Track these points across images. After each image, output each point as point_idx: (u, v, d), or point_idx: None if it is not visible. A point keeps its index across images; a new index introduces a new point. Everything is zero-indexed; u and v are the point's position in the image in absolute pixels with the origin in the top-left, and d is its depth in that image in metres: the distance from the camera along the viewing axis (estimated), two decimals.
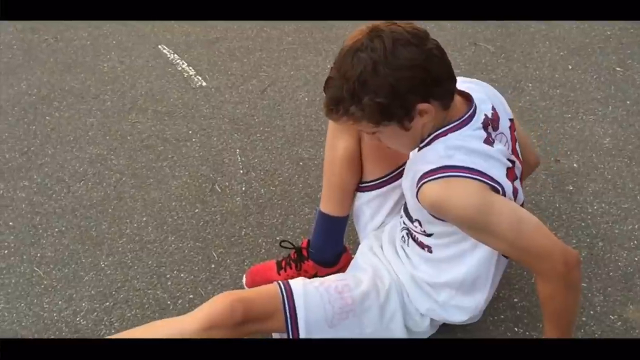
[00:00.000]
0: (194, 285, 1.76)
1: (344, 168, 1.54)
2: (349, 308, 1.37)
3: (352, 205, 1.62)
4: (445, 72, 1.23)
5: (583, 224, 1.86)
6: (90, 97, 2.43)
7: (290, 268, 1.69)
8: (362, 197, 1.58)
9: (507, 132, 1.37)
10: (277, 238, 1.86)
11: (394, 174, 1.53)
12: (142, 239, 1.89)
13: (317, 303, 1.36)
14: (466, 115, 1.27)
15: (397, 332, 1.43)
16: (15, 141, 2.24)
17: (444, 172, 1.21)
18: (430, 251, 1.39)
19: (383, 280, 1.45)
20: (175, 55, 2.64)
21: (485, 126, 1.28)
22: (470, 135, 1.26)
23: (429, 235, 1.37)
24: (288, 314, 1.34)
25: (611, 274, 1.71)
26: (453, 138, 1.26)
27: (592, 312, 1.61)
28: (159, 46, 2.70)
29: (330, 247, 1.66)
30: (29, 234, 1.92)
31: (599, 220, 1.86)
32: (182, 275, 1.79)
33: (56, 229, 1.93)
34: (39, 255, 1.86)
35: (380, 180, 1.54)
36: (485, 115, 1.30)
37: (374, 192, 1.56)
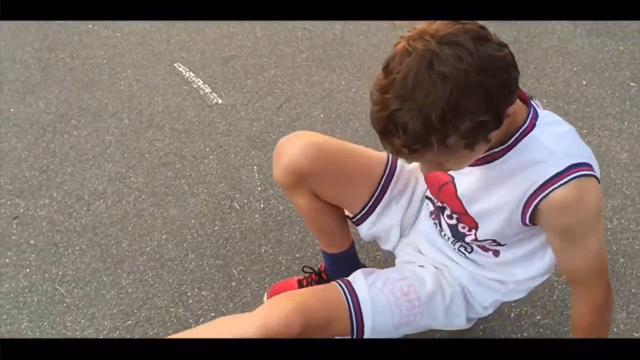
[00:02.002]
0: (216, 303, 1.76)
1: (317, 217, 1.49)
2: (416, 311, 1.31)
3: (349, 234, 1.56)
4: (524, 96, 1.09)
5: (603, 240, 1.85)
6: (107, 115, 2.45)
7: (312, 285, 1.69)
8: (364, 227, 1.49)
9: None
10: (297, 255, 1.87)
11: (378, 190, 1.44)
12: (162, 256, 1.90)
13: (385, 309, 1.29)
14: (529, 101, 1.12)
15: (459, 325, 1.39)
16: (35, 159, 2.26)
17: (573, 173, 1.05)
18: (496, 255, 1.31)
19: (447, 278, 1.37)
20: (191, 73, 2.67)
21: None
22: (554, 122, 1.11)
23: (503, 245, 1.27)
24: (355, 322, 1.27)
25: (633, 290, 1.71)
26: (544, 132, 1.08)
27: (615, 329, 1.61)
28: (175, 64, 2.72)
29: (344, 273, 1.64)
30: (50, 252, 1.93)
31: (620, 237, 1.86)
32: (203, 293, 1.79)
33: (77, 247, 1.94)
34: (60, 273, 1.87)
35: (369, 205, 1.45)
36: None
37: (371, 218, 1.47)
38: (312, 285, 1.69)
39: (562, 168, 1.05)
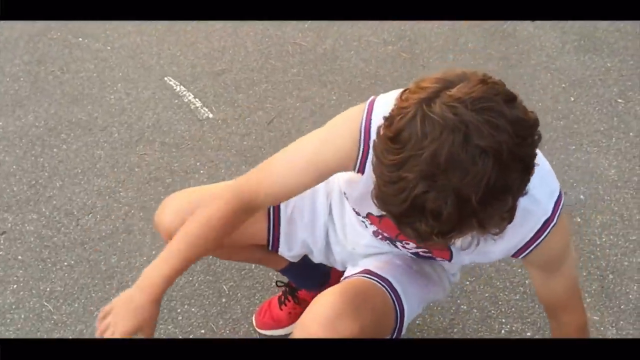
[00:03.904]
0: (205, 319, 1.75)
1: (238, 256, 1.49)
2: (430, 285, 1.35)
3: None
4: None
5: (592, 256, 1.87)
6: (97, 129, 2.44)
7: (289, 301, 1.70)
8: (284, 252, 1.44)
9: None
10: None
11: (271, 214, 1.38)
12: None
13: (414, 292, 1.30)
14: None
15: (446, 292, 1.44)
16: (23, 173, 2.24)
17: (558, 210, 1.05)
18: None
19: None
20: (182, 87, 2.67)
21: None
22: None
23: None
24: (397, 330, 1.27)
25: (622, 306, 1.72)
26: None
27: None
28: (165, 78, 2.72)
29: (308, 282, 1.62)
30: (38, 267, 1.91)
31: (608, 253, 1.87)
32: (192, 309, 1.78)
33: (65, 263, 1.92)
34: (48, 289, 1.85)
35: (271, 232, 1.40)
36: None
37: (282, 242, 1.41)
38: (288, 299, 1.69)
39: (549, 212, 1.04)
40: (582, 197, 2.07)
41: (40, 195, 2.16)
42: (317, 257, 1.47)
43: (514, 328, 1.69)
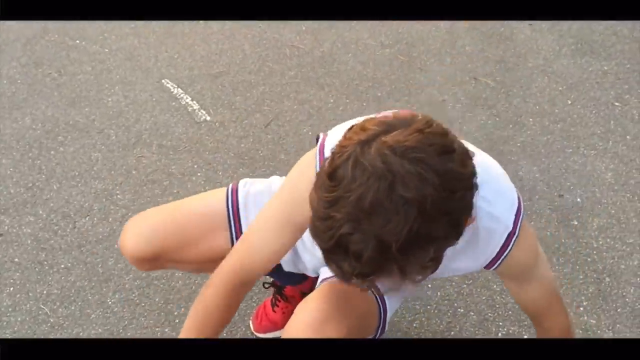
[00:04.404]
0: None
1: (208, 270, 1.46)
2: None
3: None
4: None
5: (589, 259, 1.87)
6: (94, 132, 2.44)
7: (280, 301, 1.70)
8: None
9: None
10: None
11: (232, 228, 1.38)
12: (148, 275, 1.88)
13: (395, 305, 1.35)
14: None
15: None
16: (20, 176, 2.24)
17: (518, 223, 1.07)
18: None
19: None
20: (179, 89, 2.66)
21: None
22: (487, 176, 1.03)
23: None
24: (380, 327, 1.32)
25: (619, 310, 1.73)
26: (485, 196, 1.02)
27: None
28: (163, 80, 2.72)
29: (289, 279, 1.60)
30: (35, 270, 1.91)
31: (605, 256, 1.87)
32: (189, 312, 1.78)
33: (62, 266, 1.92)
34: (45, 292, 1.84)
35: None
36: None
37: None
38: (278, 299, 1.69)
39: (511, 226, 1.06)
40: (579, 200, 2.07)
41: (37, 198, 2.15)
42: (285, 267, 1.46)
43: (510, 331, 1.69)
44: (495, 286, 1.81)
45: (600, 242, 1.92)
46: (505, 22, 3.03)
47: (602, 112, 2.46)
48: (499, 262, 1.11)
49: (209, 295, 1.25)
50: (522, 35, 2.92)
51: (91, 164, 2.29)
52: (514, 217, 1.07)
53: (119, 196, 2.16)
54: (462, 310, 1.76)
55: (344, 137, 0.88)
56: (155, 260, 1.38)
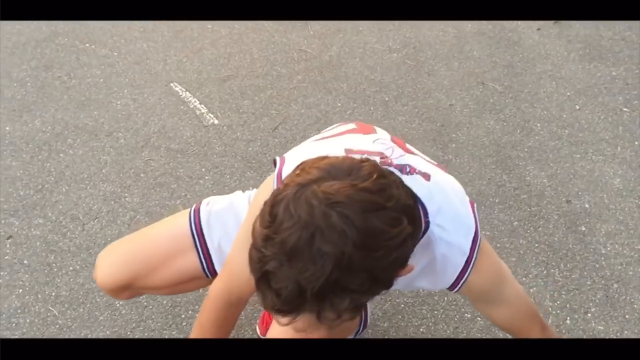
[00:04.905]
0: None
1: (183, 290, 1.52)
2: None
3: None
4: (413, 200, 0.94)
5: (597, 265, 1.87)
6: (103, 135, 2.46)
7: None
8: None
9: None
10: None
11: (198, 248, 1.40)
12: None
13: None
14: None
15: None
16: (30, 178, 2.26)
17: (475, 249, 1.09)
18: None
19: None
20: (187, 93, 2.68)
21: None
22: (440, 202, 1.06)
23: None
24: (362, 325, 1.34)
25: (627, 316, 1.72)
26: (440, 223, 1.05)
27: None
28: (171, 84, 2.73)
29: None
30: (44, 272, 1.92)
31: (613, 262, 1.87)
32: (196, 315, 1.78)
33: (71, 268, 1.93)
34: (53, 294, 1.85)
35: (205, 265, 1.42)
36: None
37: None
38: None
39: (467, 251, 1.08)
40: (587, 205, 2.07)
41: (47, 200, 2.17)
42: None
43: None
44: None
45: (609, 248, 1.91)
46: (513, 27, 3.03)
47: (610, 117, 2.46)
48: (458, 286, 1.13)
49: (204, 318, 1.33)
50: (530, 41, 2.92)
51: (100, 167, 2.31)
52: (470, 243, 1.09)
53: (127, 199, 2.17)
54: (468, 316, 1.76)
55: (290, 175, 0.91)
56: (128, 288, 1.41)
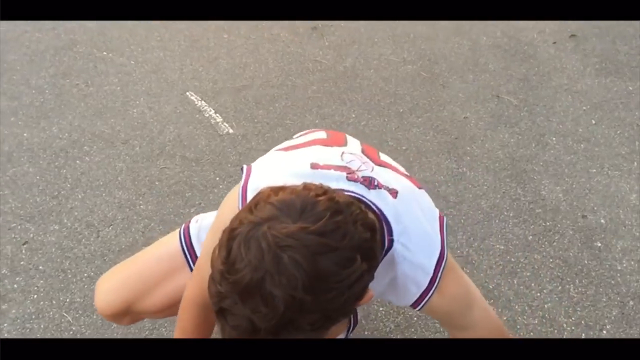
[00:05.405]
0: None
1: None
2: None
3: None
4: (372, 232, 0.92)
5: (613, 282, 1.85)
6: (119, 142, 2.48)
7: None
8: None
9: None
10: None
11: (191, 265, 1.41)
12: None
13: None
14: (380, 216, 1.03)
15: None
16: (46, 185, 2.28)
17: (439, 271, 1.08)
18: None
19: None
20: (203, 102, 2.70)
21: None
22: (407, 223, 1.05)
23: None
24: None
25: None
26: (404, 242, 1.05)
27: None
28: (187, 93, 2.75)
29: None
30: (59, 278, 1.93)
31: (629, 279, 1.85)
32: None
33: (85, 274, 1.94)
34: (68, 300, 1.86)
35: None
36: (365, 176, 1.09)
37: None
38: None
39: (431, 272, 1.07)
40: (602, 221, 2.05)
41: (62, 207, 2.19)
42: None
43: None
44: (516, 307, 1.79)
45: (625, 265, 1.90)
46: (529, 40, 3.03)
47: (626, 132, 2.44)
48: (420, 305, 1.11)
49: (184, 326, 1.31)
50: (545, 54, 2.92)
51: (115, 174, 2.32)
52: (435, 263, 1.07)
53: (142, 206, 2.19)
54: None
55: (245, 209, 0.90)
56: (127, 313, 1.41)
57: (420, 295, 1.09)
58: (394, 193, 1.07)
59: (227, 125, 2.57)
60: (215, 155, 2.41)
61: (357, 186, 1.05)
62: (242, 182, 1.15)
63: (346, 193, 1.00)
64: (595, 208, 2.10)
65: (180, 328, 1.34)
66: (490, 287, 1.85)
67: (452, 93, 2.71)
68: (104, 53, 3.01)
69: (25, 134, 2.52)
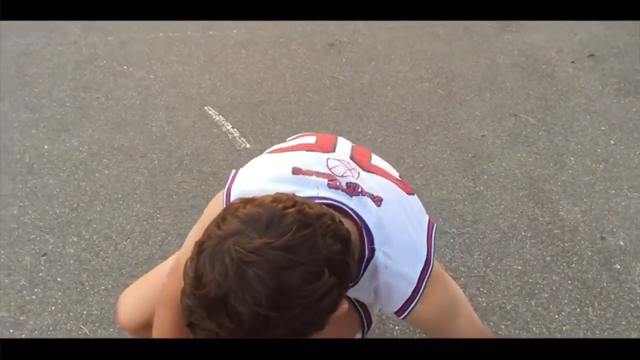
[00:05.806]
0: None
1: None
2: None
3: None
4: (344, 244, 0.91)
5: (632, 305, 1.83)
6: (138, 156, 2.50)
7: None
8: None
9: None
10: None
11: None
12: None
13: None
14: (359, 224, 1.03)
15: None
16: (66, 197, 2.30)
17: (424, 280, 1.07)
18: None
19: None
20: (221, 117, 2.72)
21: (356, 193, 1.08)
22: (390, 232, 1.05)
23: None
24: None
25: None
26: (386, 250, 1.05)
27: None
28: (205, 107, 2.78)
29: None
30: (76, 290, 1.95)
31: None
32: None
33: (102, 287, 1.96)
34: (85, 312, 1.88)
35: None
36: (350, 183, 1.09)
37: None
38: None
39: (415, 281, 1.06)
40: (621, 243, 2.03)
41: (81, 219, 2.21)
42: None
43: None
44: (534, 328, 1.78)
45: None
46: (547, 59, 3.03)
47: None
48: (404, 314, 1.10)
49: (165, 326, 1.27)
50: (564, 73, 2.91)
51: (134, 187, 2.34)
52: (419, 272, 1.06)
53: (159, 220, 2.20)
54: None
55: (214, 222, 0.89)
56: (150, 325, 1.40)
57: (404, 304, 1.08)
58: (377, 200, 1.06)
59: (244, 140, 2.59)
60: (232, 170, 2.42)
61: (338, 193, 1.05)
62: (226, 186, 1.15)
63: (325, 201, 1.01)
64: (614, 229, 2.09)
65: (158, 329, 1.29)
66: (508, 307, 1.83)
67: (469, 111, 2.71)
68: (124, 67, 3.05)
69: (45, 146, 2.56)
